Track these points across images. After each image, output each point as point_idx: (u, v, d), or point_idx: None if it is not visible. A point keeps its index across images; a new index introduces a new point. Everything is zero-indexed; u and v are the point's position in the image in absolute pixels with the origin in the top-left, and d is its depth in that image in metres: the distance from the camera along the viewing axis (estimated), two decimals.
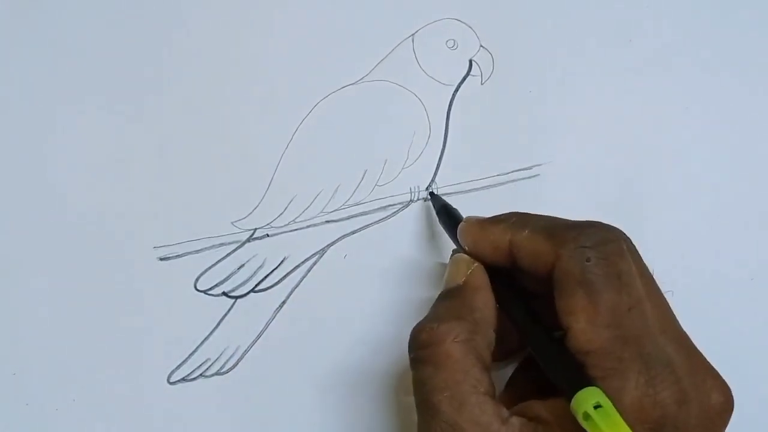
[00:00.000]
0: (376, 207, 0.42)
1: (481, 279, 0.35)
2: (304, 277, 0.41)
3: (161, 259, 0.41)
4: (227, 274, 0.41)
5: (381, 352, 0.41)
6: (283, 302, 0.41)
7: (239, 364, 0.41)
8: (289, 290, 0.41)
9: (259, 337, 0.41)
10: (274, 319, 0.41)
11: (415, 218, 0.42)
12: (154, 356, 0.40)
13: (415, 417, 0.32)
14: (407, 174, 0.42)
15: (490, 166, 0.43)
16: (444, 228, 0.40)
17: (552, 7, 0.44)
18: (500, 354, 0.35)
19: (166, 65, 0.42)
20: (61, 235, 0.41)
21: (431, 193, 0.42)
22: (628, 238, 0.33)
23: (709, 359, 0.42)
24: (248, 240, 0.41)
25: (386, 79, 0.43)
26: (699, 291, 0.43)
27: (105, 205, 0.41)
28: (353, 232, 0.42)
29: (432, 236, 0.42)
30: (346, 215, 0.42)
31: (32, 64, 0.42)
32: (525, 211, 0.36)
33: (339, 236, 0.42)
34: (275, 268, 0.41)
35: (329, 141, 0.42)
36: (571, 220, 0.34)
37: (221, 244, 0.41)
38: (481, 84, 0.44)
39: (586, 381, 0.30)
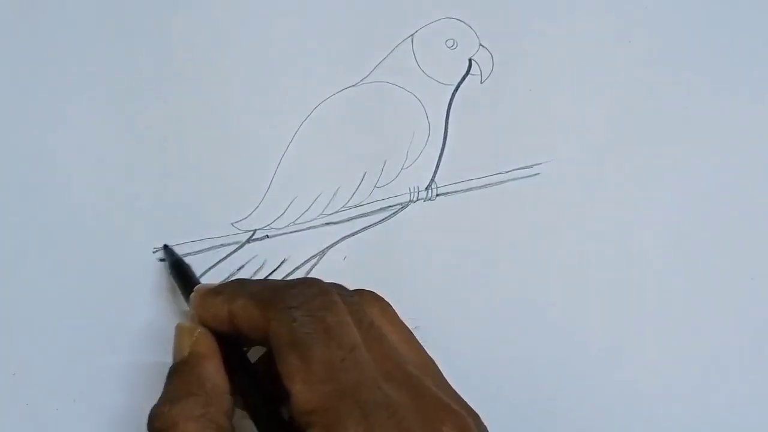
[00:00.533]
0: (375, 208, 0.42)
1: (207, 345, 0.34)
2: None
3: (161, 260, 0.41)
4: (227, 275, 0.41)
5: None
6: None
7: None
8: None
9: None
10: None
11: (414, 219, 0.42)
12: (155, 356, 0.40)
13: None
14: (407, 174, 0.42)
15: (490, 165, 0.43)
16: (179, 287, 0.39)
17: (552, 7, 0.44)
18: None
19: (167, 66, 0.42)
20: (61, 235, 0.41)
21: (165, 246, 0.40)
22: (342, 288, 0.33)
23: (705, 359, 0.42)
24: (248, 241, 0.41)
25: (386, 80, 0.43)
26: (698, 291, 0.43)
27: (105, 206, 0.41)
28: (353, 234, 0.42)
29: (432, 236, 0.42)
30: (345, 217, 0.42)
31: (35, 62, 0.42)
32: (245, 278, 0.36)
33: (339, 238, 0.42)
34: (275, 270, 0.41)
35: (329, 143, 0.42)
36: (283, 281, 0.34)
37: (221, 245, 0.41)
38: (481, 83, 0.43)
39: None
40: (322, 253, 0.42)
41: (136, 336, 0.40)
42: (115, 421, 0.40)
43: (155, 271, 0.41)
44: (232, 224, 0.41)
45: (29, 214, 0.41)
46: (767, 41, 0.45)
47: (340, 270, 0.41)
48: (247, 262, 0.41)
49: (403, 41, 0.43)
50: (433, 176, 0.43)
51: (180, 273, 0.39)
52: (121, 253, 0.41)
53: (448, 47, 0.43)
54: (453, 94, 0.43)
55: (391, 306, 0.35)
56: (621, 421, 0.42)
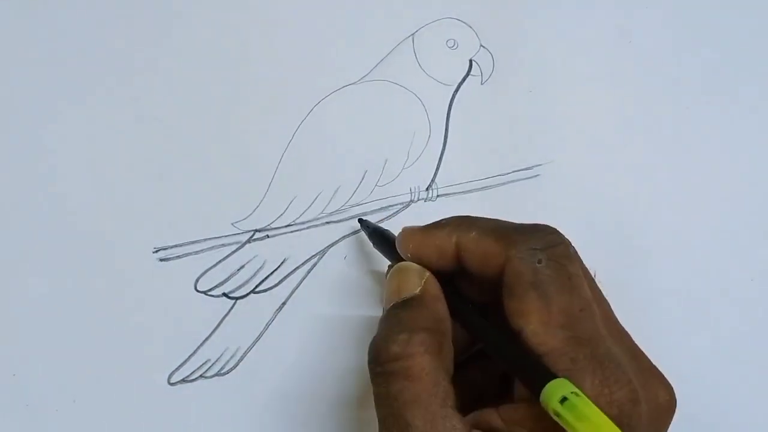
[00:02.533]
0: (376, 207, 0.42)
1: (437, 288, 0.34)
2: (304, 278, 0.41)
3: (161, 260, 0.41)
4: (227, 275, 0.41)
5: None
6: (284, 303, 0.41)
7: (239, 365, 0.41)
8: (290, 291, 0.41)
9: (259, 338, 0.41)
10: (275, 320, 0.41)
11: (415, 219, 0.42)
12: (155, 357, 0.40)
13: None
14: (407, 174, 0.42)
15: (490, 166, 0.43)
16: (379, 249, 0.39)
17: (552, 7, 0.44)
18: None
19: (167, 65, 0.42)
20: (61, 235, 0.41)
21: (360, 220, 0.41)
22: (569, 241, 0.33)
23: (709, 359, 0.42)
24: (248, 241, 0.41)
25: (386, 79, 0.43)
26: (699, 291, 0.43)
27: (105, 206, 0.41)
28: (353, 233, 0.42)
29: None
30: (346, 216, 0.42)
31: (33, 62, 0.42)
32: (468, 215, 0.35)
33: (339, 237, 0.42)
34: (275, 269, 0.41)
35: (329, 141, 0.42)
36: (517, 223, 0.34)
37: (221, 245, 0.41)
38: (481, 84, 0.44)
39: (552, 374, 0.30)
40: (323, 252, 0.42)
41: (136, 336, 0.40)
42: (114, 422, 0.40)
43: (155, 271, 0.41)
44: (232, 224, 0.41)
45: (28, 214, 0.41)
46: (767, 41, 0.45)
47: (340, 269, 0.41)
48: (247, 262, 0.41)
49: (403, 40, 0.43)
50: (434, 177, 0.43)
51: (382, 239, 0.39)
52: (122, 253, 0.41)
53: (449, 47, 0.43)
54: (453, 95, 0.43)
55: None
56: None
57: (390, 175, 0.42)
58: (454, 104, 0.43)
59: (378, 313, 0.41)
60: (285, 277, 0.41)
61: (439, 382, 0.31)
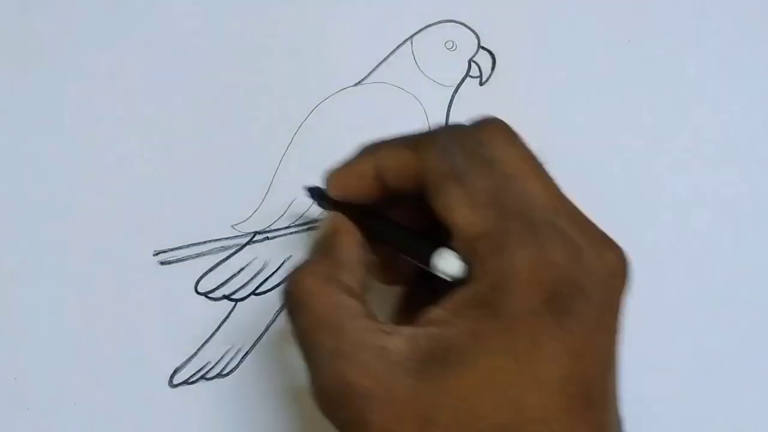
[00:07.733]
0: None
1: (341, 222, 0.34)
2: None
3: (162, 263, 0.41)
4: (228, 277, 0.41)
5: None
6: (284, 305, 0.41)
7: (240, 366, 0.41)
8: None
9: (259, 339, 0.41)
10: (275, 322, 0.41)
11: None
12: (156, 359, 0.40)
13: None
14: None
15: None
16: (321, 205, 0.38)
17: (552, 7, 0.44)
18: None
19: (167, 67, 0.42)
20: (62, 238, 0.41)
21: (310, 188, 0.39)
22: (504, 123, 0.32)
23: (708, 357, 0.42)
24: (249, 243, 0.41)
25: (385, 81, 0.43)
26: (699, 290, 0.43)
27: (105, 209, 0.41)
28: None
29: None
30: None
31: (33, 64, 0.42)
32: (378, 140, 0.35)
33: None
34: (276, 271, 0.41)
35: (329, 144, 0.42)
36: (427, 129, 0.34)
37: (222, 248, 0.41)
38: (480, 85, 0.44)
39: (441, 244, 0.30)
40: None
41: (137, 339, 0.40)
42: (116, 425, 0.40)
43: (156, 274, 0.41)
44: (232, 226, 0.41)
45: (29, 217, 0.41)
46: (767, 41, 0.45)
47: None
48: (248, 264, 0.41)
49: (402, 42, 0.43)
50: None
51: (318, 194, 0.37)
52: (122, 255, 0.41)
53: (448, 49, 0.43)
54: (453, 96, 0.43)
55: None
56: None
57: None
58: (453, 105, 0.43)
59: (377, 313, 0.41)
60: (285, 279, 0.41)
61: (335, 300, 0.31)
